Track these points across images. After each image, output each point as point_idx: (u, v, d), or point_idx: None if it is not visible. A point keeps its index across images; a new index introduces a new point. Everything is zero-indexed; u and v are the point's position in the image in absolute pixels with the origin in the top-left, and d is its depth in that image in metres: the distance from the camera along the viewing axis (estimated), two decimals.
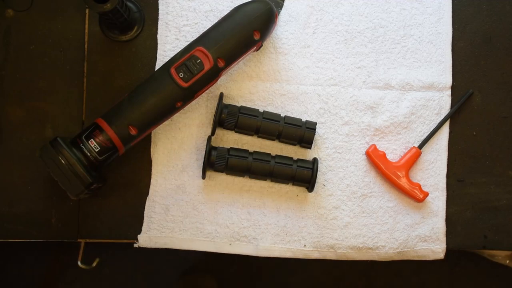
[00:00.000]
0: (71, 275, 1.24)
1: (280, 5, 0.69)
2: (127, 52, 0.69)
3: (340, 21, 0.70)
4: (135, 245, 0.68)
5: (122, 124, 0.60)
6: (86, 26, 0.68)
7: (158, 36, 0.68)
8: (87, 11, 0.69)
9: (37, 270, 1.24)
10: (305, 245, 0.68)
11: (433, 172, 0.70)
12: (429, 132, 0.69)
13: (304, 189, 0.68)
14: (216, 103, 0.66)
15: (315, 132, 0.66)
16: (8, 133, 0.68)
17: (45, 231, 0.68)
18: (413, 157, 0.68)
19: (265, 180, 0.67)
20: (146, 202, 0.68)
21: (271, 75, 0.68)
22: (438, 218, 0.69)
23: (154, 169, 0.68)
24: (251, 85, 0.68)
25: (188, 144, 0.68)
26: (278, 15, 0.68)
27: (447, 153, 0.70)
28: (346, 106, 0.69)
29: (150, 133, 0.67)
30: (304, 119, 0.67)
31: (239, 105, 0.66)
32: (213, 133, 0.66)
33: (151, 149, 0.68)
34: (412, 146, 0.69)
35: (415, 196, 0.67)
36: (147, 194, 0.68)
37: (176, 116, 0.67)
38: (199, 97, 0.65)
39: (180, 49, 0.62)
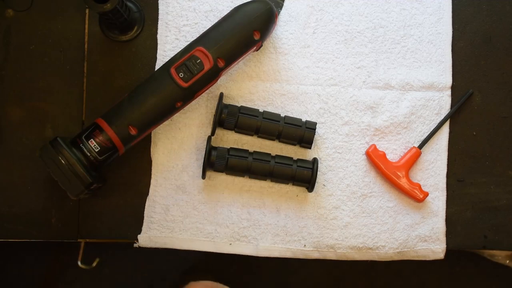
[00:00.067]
0: (71, 275, 1.24)
1: (280, 5, 0.69)
2: (127, 52, 0.69)
3: (340, 21, 0.70)
4: (135, 245, 0.68)
5: (122, 124, 0.60)
6: (86, 26, 0.68)
7: (158, 36, 0.68)
8: (87, 11, 0.69)
9: (37, 270, 1.23)
10: (305, 245, 0.68)
11: (433, 172, 0.70)
12: (429, 132, 0.69)
13: (304, 189, 0.68)
14: (216, 103, 0.66)
15: (315, 132, 0.66)
16: (8, 133, 0.68)
17: (45, 231, 0.68)
18: (413, 157, 0.68)
19: (265, 180, 0.67)
20: (146, 202, 0.68)
21: (271, 75, 0.68)
22: (438, 218, 0.69)
23: (154, 169, 0.68)
24: (251, 85, 0.68)
25: (188, 144, 0.68)
26: (278, 15, 0.68)
27: (447, 153, 0.70)
28: (346, 106, 0.69)
29: (150, 133, 0.67)
30: (304, 119, 0.67)
31: (239, 105, 0.66)
32: (213, 133, 0.66)
33: (151, 149, 0.68)
34: (412, 146, 0.69)
35: (415, 196, 0.67)
36: (147, 194, 0.68)
37: (176, 116, 0.67)
38: (199, 97, 0.65)
39: (180, 49, 0.62)
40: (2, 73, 0.68)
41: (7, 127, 0.68)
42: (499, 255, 1.07)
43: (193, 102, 0.65)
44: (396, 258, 0.69)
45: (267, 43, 0.68)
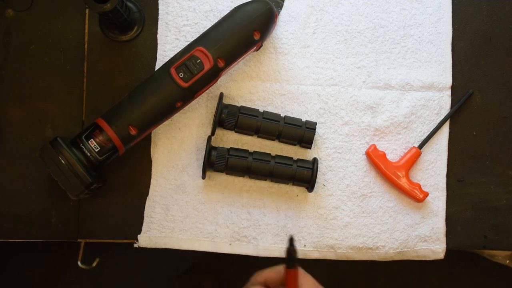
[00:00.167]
0: (71, 275, 1.24)
1: (280, 5, 0.69)
2: (127, 52, 0.69)
3: (340, 21, 0.70)
4: (135, 245, 0.68)
5: (122, 124, 0.60)
6: (86, 26, 0.68)
7: (158, 36, 0.68)
8: (87, 11, 0.69)
9: (37, 270, 1.24)
10: (305, 245, 0.68)
11: (433, 172, 0.70)
12: (429, 132, 0.69)
13: (304, 189, 0.68)
14: (216, 103, 0.66)
15: (315, 132, 0.66)
16: (8, 133, 0.68)
17: (45, 231, 0.68)
18: (413, 157, 0.68)
19: (265, 180, 0.67)
20: (146, 202, 0.68)
21: (271, 75, 0.68)
22: (438, 218, 0.69)
23: (154, 169, 0.68)
24: (251, 85, 0.68)
25: (188, 144, 0.68)
26: (278, 15, 0.68)
27: (447, 153, 0.70)
28: (346, 106, 0.69)
29: (150, 133, 0.67)
30: (304, 119, 0.67)
31: (239, 105, 0.66)
32: (213, 133, 0.66)
33: (151, 149, 0.68)
34: (412, 146, 0.69)
35: (415, 196, 0.67)
36: (147, 194, 0.68)
37: (176, 116, 0.67)
38: (199, 97, 0.65)
39: (180, 49, 0.62)
40: (2, 73, 0.68)
41: (7, 127, 0.68)
42: (499, 255, 1.07)
43: (193, 102, 0.65)
44: (396, 258, 0.69)
45: (267, 43, 0.68)
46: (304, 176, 0.65)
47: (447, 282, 1.27)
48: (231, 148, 0.66)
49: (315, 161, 0.66)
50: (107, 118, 0.60)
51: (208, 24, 0.65)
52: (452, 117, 0.70)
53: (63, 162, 0.58)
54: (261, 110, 0.67)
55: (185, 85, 0.60)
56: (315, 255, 0.68)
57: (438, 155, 0.70)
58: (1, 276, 1.23)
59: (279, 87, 0.68)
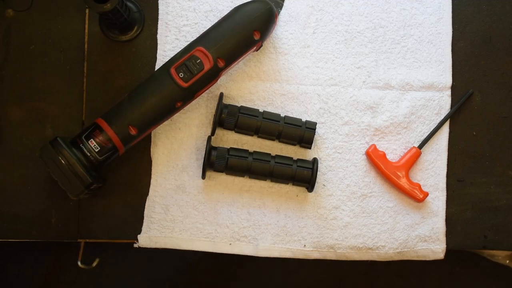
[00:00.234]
0: (71, 275, 1.24)
1: (280, 5, 0.69)
2: (127, 52, 0.69)
3: (340, 21, 0.70)
4: (135, 245, 0.68)
5: (122, 124, 0.60)
6: (86, 26, 0.68)
7: (158, 36, 0.68)
8: (87, 11, 0.69)
9: (37, 270, 1.23)
10: (305, 245, 0.68)
11: (433, 172, 0.70)
12: (429, 132, 0.69)
13: (304, 189, 0.68)
14: (216, 103, 0.66)
15: (315, 132, 0.66)
16: (8, 133, 0.68)
17: (45, 231, 0.68)
18: (413, 157, 0.68)
19: (265, 180, 0.67)
20: (146, 202, 0.68)
21: (271, 75, 0.68)
22: (438, 218, 0.69)
23: (154, 169, 0.68)
24: (251, 85, 0.68)
25: (188, 144, 0.68)
26: (278, 15, 0.68)
27: (447, 153, 0.70)
28: (346, 106, 0.69)
29: (150, 133, 0.67)
30: (304, 119, 0.67)
31: (239, 105, 0.66)
32: (213, 133, 0.66)
33: (151, 149, 0.68)
34: (412, 146, 0.69)
35: (415, 196, 0.67)
36: (147, 194, 0.68)
37: (176, 116, 0.67)
38: (199, 97, 0.65)
39: (180, 49, 0.62)
40: (2, 73, 0.68)
41: (7, 127, 0.68)
42: (499, 255, 1.06)
43: (193, 102, 0.65)
44: (396, 258, 0.69)
45: (267, 43, 0.68)
46: (304, 176, 0.65)
47: (447, 282, 1.27)
48: (231, 148, 0.66)
49: (315, 161, 0.66)
50: (107, 118, 0.60)
51: (208, 24, 0.65)
52: (452, 117, 0.70)
53: (63, 162, 0.58)
54: (261, 110, 0.67)
55: (185, 85, 0.60)
56: (315, 255, 0.68)
57: (438, 155, 0.70)
58: (1, 276, 1.23)
59: (279, 87, 0.68)
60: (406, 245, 0.69)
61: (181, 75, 0.60)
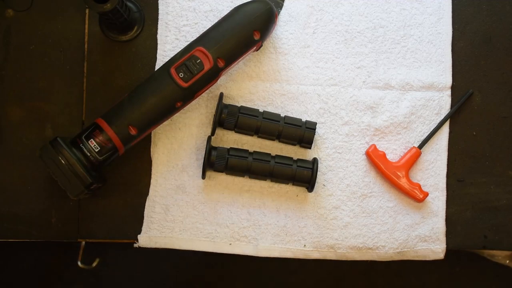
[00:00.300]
0: (71, 275, 1.24)
1: (280, 5, 0.69)
2: (127, 52, 0.69)
3: (340, 21, 0.70)
4: (135, 245, 0.68)
5: (122, 124, 0.60)
6: (86, 26, 0.68)
7: (158, 36, 0.68)
8: (87, 11, 0.69)
9: (37, 270, 1.23)
10: (305, 245, 0.68)
11: (433, 172, 0.70)
12: (429, 132, 0.69)
13: (304, 189, 0.68)
14: (216, 103, 0.66)
15: (315, 132, 0.66)
16: (8, 133, 0.68)
17: (45, 231, 0.68)
18: (413, 157, 0.68)
19: (265, 180, 0.67)
20: (146, 202, 0.68)
21: (271, 75, 0.68)
22: (438, 218, 0.69)
23: (154, 169, 0.68)
24: (251, 85, 0.68)
25: (188, 144, 0.68)
26: (278, 15, 0.68)
27: (447, 153, 0.70)
28: (346, 106, 0.69)
29: (150, 133, 0.67)
30: (304, 119, 0.67)
31: (239, 105, 0.66)
32: (213, 133, 0.66)
33: (151, 149, 0.68)
34: (412, 146, 0.69)
35: (415, 196, 0.67)
36: (147, 194, 0.68)
37: (176, 116, 0.67)
38: (199, 97, 0.65)
39: (180, 49, 0.62)
40: (2, 73, 0.68)
41: (7, 127, 0.68)
42: (499, 255, 1.06)
43: (193, 102, 0.65)
44: (396, 258, 0.69)
45: (267, 43, 0.68)
46: (304, 176, 0.65)
47: (447, 282, 1.27)
48: (231, 148, 0.66)
49: (315, 161, 0.66)
50: (107, 118, 0.60)
51: (208, 24, 0.65)
52: (452, 117, 0.70)
53: (63, 162, 0.58)
54: (261, 110, 0.67)
55: (185, 85, 0.60)
56: (315, 255, 0.68)
57: (438, 155, 0.70)
58: (1, 276, 1.23)
59: (279, 87, 0.68)
60: (406, 245, 0.69)
61: (181, 75, 0.60)
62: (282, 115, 0.67)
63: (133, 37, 0.68)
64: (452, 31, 0.71)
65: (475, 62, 0.71)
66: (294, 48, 0.69)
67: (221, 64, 0.60)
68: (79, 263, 0.71)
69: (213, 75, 0.61)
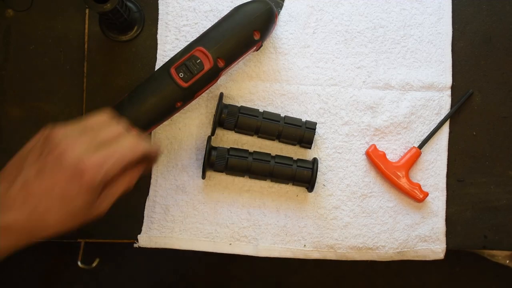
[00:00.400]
0: (71, 275, 1.24)
1: (280, 5, 0.69)
2: (127, 52, 0.69)
3: (340, 21, 0.70)
4: (135, 245, 0.68)
5: None
6: (86, 26, 0.68)
7: (158, 36, 0.68)
8: (87, 11, 0.69)
9: (37, 270, 1.24)
10: (305, 245, 0.68)
11: (433, 172, 0.70)
12: (429, 132, 0.69)
13: (304, 189, 0.68)
14: (216, 103, 0.66)
15: (315, 132, 0.66)
16: (8, 133, 0.68)
17: None
18: (413, 157, 0.68)
19: (265, 180, 0.67)
20: (146, 202, 0.67)
21: (271, 75, 0.68)
22: (438, 218, 0.69)
23: (154, 169, 0.68)
24: (251, 85, 0.68)
25: (188, 144, 0.68)
26: (278, 15, 0.68)
27: (447, 153, 0.70)
28: (346, 106, 0.69)
29: (150, 133, 0.67)
30: (304, 119, 0.67)
31: (239, 105, 0.66)
32: (213, 133, 0.66)
33: None
34: (412, 146, 0.69)
35: (415, 196, 0.67)
36: (147, 194, 0.68)
37: (176, 116, 0.67)
38: (199, 97, 0.65)
39: (180, 49, 0.62)
40: (2, 73, 0.68)
41: (7, 127, 0.68)
42: (499, 255, 1.07)
43: (193, 102, 0.65)
44: (396, 258, 0.69)
45: (267, 43, 0.68)
46: (304, 176, 0.65)
47: (447, 282, 1.27)
48: (231, 148, 0.66)
49: (315, 161, 0.66)
50: None
51: (208, 24, 0.65)
52: (452, 117, 0.70)
53: None
54: (261, 110, 0.67)
55: (185, 85, 0.60)
56: (315, 255, 0.68)
57: (438, 155, 0.70)
58: (1, 276, 1.23)
59: (279, 87, 0.68)
60: (406, 245, 0.69)
61: (181, 75, 0.60)
62: (282, 115, 0.67)
63: (133, 37, 0.68)
64: (452, 31, 0.71)
65: (475, 62, 0.71)
66: (294, 48, 0.69)
67: (221, 64, 0.60)
68: (79, 263, 0.71)
69: (213, 75, 0.61)
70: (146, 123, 0.61)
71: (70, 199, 0.47)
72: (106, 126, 0.51)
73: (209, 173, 0.67)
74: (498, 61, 0.71)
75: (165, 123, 0.66)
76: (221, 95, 0.65)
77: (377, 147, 0.69)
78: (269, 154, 0.66)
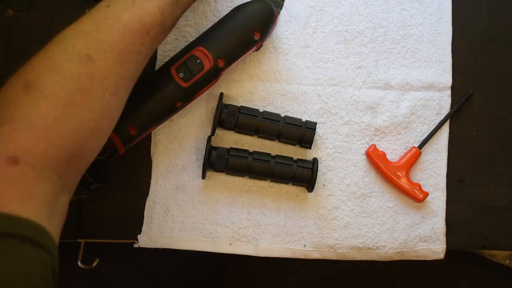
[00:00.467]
0: (71, 275, 1.24)
1: (280, 5, 0.69)
2: None
3: (340, 21, 0.70)
4: (135, 245, 0.68)
5: (122, 124, 0.60)
6: None
7: None
8: (87, 11, 0.69)
9: None
10: (305, 245, 0.68)
11: (433, 172, 0.70)
12: (429, 132, 0.69)
13: (304, 189, 0.68)
14: (216, 103, 0.66)
15: (315, 132, 0.66)
16: None
17: None
18: (413, 157, 0.68)
19: (265, 180, 0.67)
20: (146, 202, 0.68)
21: (271, 75, 0.68)
22: (438, 218, 0.69)
23: (154, 169, 0.68)
24: (251, 85, 0.68)
25: (188, 144, 0.68)
26: (278, 15, 0.68)
27: (447, 153, 0.70)
28: (346, 106, 0.69)
29: (150, 133, 0.67)
30: (304, 119, 0.67)
31: (239, 105, 0.66)
32: (213, 133, 0.66)
33: (151, 149, 0.68)
34: (412, 146, 0.69)
35: (415, 196, 0.67)
36: (147, 194, 0.68)
37: (176, 116, 0.67)
38: (199, 97, 0.65)
39: (180, 49, 0.62)
40: (2, 73, 0.68)
41: None
42: (499, 255, 1.07)
43: (193, 102, 0.65)
44: (396, 258, 0.69)
45: (267, 43, 0.68)
46: (304, 176, 0.65)
47: (447, 282, 1.27)
48: (231, 148, 0.66)
49: (315, 161, 0.66)
50: None
51: (208, 24, 0.65)
52: (452, 117, 0.70)
53: None
54: (261, 110, 0.67)
55: (185, 85, 0.60)
56: (315, 255, 0.68)
57: (438, 155, 0.70)
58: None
59: (279, 87, 0.68)
60: (406, 245, 0.69)
61: (181, 75, 0.60)
62: (282, 115, 0.67)
63: None
64: (452, 31, 0.71)
65: (475, 62, 0.71)
66: (294, 48, 0.69)
67: (221, 64, 0.60)
68: (79, 263, 0.71)
69: (213, 75, 0.61)
70: (146, 123, 0.61)
71: None
72: None
73: (209, 173, 0.67)
74: (498, 61, 0.71)
75: (165, 123, 0.66)
76: (221, 95, 0.65)
77: (377, 147, 0.69)
78: (269, 154, 0.66)
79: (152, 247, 0.67)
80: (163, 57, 0.68)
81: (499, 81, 0.71)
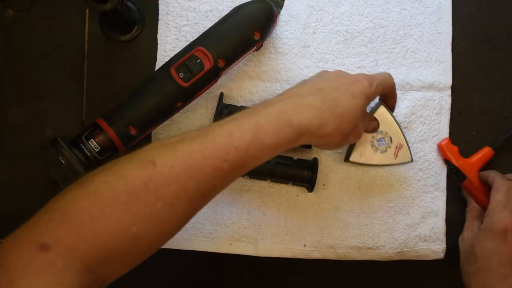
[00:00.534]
0: None
1: (280, 5, 0.69)
2: (127, 52, 0.69)
3: (340, 21, 0.70)
4: None
5: (122, 124, 0.60)
6: (86, 26, 0.68)
7: (158, 36, 0.68)
8: (87, 11, 0.69)
9: None
10: (305, 245, 0.68)
11: (434, 172, 0.70)
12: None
13: (304, 189, 0.68)
14: (216, 103, 0.66)
15: None
16: (8, 133, 0.68)
17: None
18: (485, 157, 0.68)
19: (265, 180, 0.67)
20: None
21: (271, 75, 0.68)
22: (438, 218, 0.69)
23: None
24: (251, 85, 0.68)
25: None
26: (278, 15, 0.68)
27: None
28: None
29: (150, 133, 0.67)
30: None
31: (239, 105, 0.66)
32: None
33: None
34: (485, 146, 0.69)
35: (483, 201, 0.65)
36: None
37: (176, 116, 0.67)
38: (199, 97, 0.65)
39: (180, 49, 0.62)
40: (2, 73, 0.68)
41: (7, 127, 0.68)
42: None
43: (193, 102, 0.65)
44: (396, 258, 0.70)
45: (267, 43, 0.68)
46: (304, 176, 0.65)
47: (447, 282, 1.26)
48: None
49: (315, 161, 0.66)
50: (107, 118, 0.60)
51: (208, 24, 0.65)
52: (452, 117, 0.70)
53: (63, 162, 0.58)
54: None
55: (185, 85, 0.60)
56: (315, 255, 0.68)
57: (438, 154, 0.70)
58: None
59: (279, 87, 0.68)
60: (406, 245, 0.69)
61: (181, 75, 0.60)
62: None
63: (133, 37, 0.68)
64: (452, 31, 0.71)
65: (475, 62, 0.71)
66: (294, 48, 0.69)
67: (221, 64, 0.60)
68: None
69: (213, 75, 0.61)
70: (146, 123, 0.61)
71: (352, 96, 0.51)
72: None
73: None
74: (498, 61, 0.71)
75: (165, 123, 0.66)
76: (221, 95, 0.65)
77: None
78: None
79: None
80: (163, 57, 0.68)
81: (499, 81, 0.71)
